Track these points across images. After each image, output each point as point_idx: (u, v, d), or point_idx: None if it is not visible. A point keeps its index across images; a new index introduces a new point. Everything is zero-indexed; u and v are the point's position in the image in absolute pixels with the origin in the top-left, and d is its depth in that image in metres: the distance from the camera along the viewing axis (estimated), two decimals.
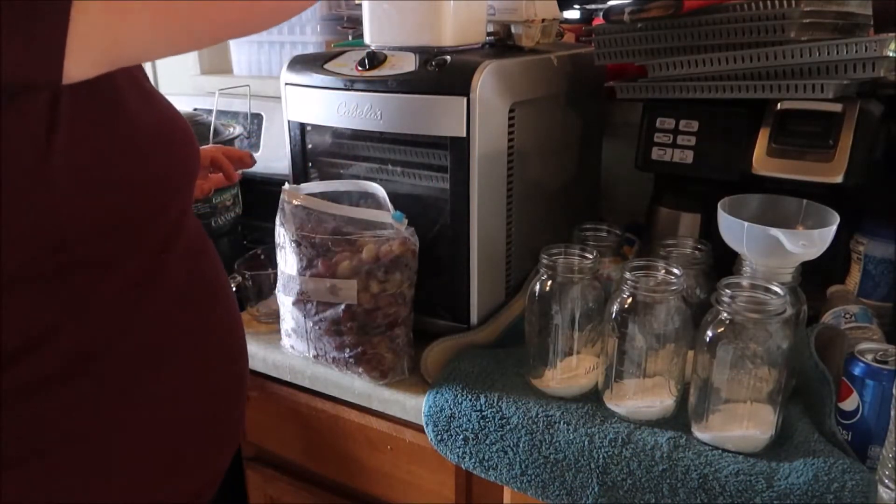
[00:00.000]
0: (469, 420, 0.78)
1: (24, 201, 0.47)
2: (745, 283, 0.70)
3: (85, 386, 0.54)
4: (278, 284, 0.91)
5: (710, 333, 0.68)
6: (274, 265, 0.93)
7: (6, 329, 0.49)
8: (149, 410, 0.59)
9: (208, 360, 0.65)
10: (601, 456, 0.70)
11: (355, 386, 0.88)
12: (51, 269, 0.49)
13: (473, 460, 0.78)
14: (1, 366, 0.50)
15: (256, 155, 1.47)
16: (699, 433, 0.71)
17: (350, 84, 0.87)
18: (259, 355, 0.96)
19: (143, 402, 0.58)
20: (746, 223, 0.73)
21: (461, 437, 0.79)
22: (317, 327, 0.86)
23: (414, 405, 0.83)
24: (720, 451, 0.69)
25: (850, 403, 0.69)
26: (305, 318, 0.87)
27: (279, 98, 0.96)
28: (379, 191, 0.88)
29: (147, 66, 1.85)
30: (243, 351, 0.72)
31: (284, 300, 0.90)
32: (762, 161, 0.87)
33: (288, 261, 0.87)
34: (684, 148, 0.94)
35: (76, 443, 0.54)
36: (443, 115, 0.81)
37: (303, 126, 0.96)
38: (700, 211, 0.98)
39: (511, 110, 0.87)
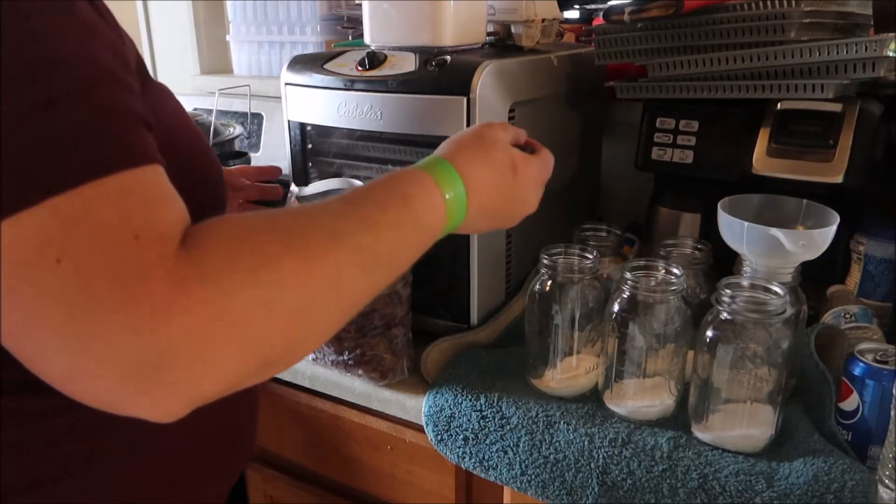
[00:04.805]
0: (469, 420, 0.78)
1: None
2: (745, 283, 0.70)
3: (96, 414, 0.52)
4: None
5: (710, 333, 0.68)
6: None
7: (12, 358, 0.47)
8: (165, 436, 0.56)
9: None
10: (601, 456, 0.70)
11: (355, 386, 0.88)
12: None
13: (473, 460, 0.78)
14: (4, 392, 0.47)
15: (256, 155, 1.48)
16: (699, 433, 0.71)
17: (350, 84, 0.87)
18: None
19: (160, 428, 0.56)
20: (746, 223, 0.73)
21: (461, 437, 0.79)
22: None
23: (414, 405, 0.83)
24: (720, 451, 0.69)
25: (850, 403, 0.69)
26: None
27: (279, 98, 0.96)
28: None
29: (147, 66, 1.86)
30: None
31: None
32: (762, 161, 0.87)
33: None
34: (684, 148, 0.94)
35: (86, 469, 0.52)
36: (443, 115, 0.81)
37: (303, 126, 0.96)
38: (700, 211, 0.98)
39: (511, 110, 0.87)
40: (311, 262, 0.43)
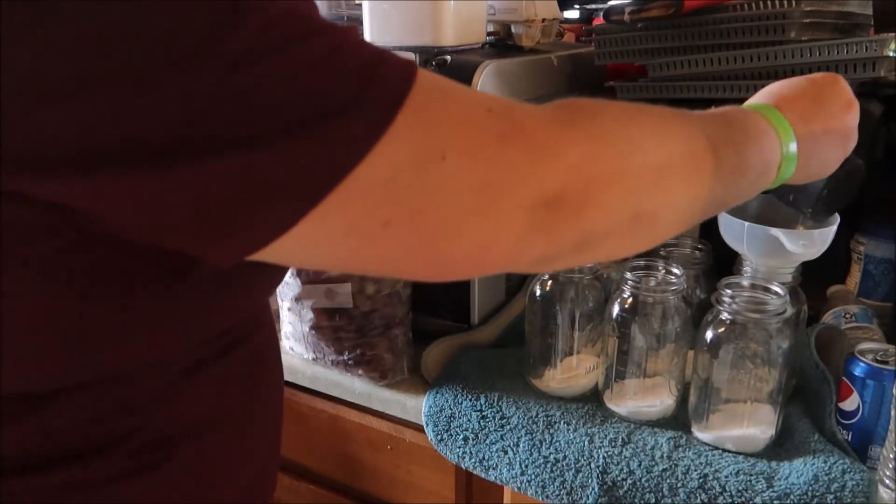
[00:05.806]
0: (469, 420, 0.78)
1: None
2: (745, 283, 0.70)
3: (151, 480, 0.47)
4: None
5: (710, 333, 0.68)
6: None
7: (70, 426, 0.43)
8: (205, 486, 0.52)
9: (266, 428, 0.59)
10: (601, 456, 0.70)
11: (355, 386, 0.88)
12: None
13: (473, 460, 0.78)
14: (64, 464, 0.44)
15: None
16: (699, 433, 0.71)
17: None
18: None
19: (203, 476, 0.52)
20: (746, 223, 0.73)
21: (461, 436, 0.79)
22: (314, 332, 0.86)
23: (414, 405, 0.83)
24: (720, 451, 0.69)
25: (850, 403, 0.69)
26: (302, 322, 0.87)
27: None
28: None
29: None
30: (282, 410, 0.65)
31: (281, 304, 0.90)
32: None
33: None
34: None
35: None
36: None
37: None
38: None
39: None
40: (667, 126, 0.46)
